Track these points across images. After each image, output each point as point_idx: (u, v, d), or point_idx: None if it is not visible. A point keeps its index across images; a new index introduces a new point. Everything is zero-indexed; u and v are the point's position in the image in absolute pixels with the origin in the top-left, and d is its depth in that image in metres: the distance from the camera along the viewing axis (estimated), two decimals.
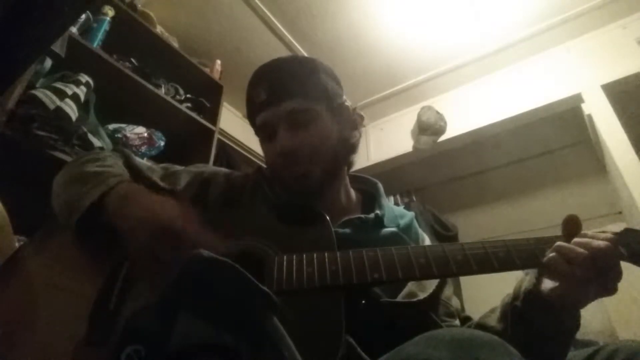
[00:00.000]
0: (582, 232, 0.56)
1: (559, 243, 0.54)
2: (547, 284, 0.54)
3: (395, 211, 0.80)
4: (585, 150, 2.09)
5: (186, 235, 0.52)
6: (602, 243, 0.52)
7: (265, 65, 0.77)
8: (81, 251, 0.62)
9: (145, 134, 1.68)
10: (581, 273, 0.51)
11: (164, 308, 0.43)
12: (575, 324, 0.55)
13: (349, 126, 0.78)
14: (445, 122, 2.36)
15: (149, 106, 1.74)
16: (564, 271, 0.52)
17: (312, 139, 0.72)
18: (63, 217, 0.64)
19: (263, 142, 0.77)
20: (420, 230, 0.82)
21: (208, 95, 2.07)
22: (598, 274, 0.51)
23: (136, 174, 0.74)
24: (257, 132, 0.78)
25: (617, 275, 0.52)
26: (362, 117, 0.84)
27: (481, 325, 0.64)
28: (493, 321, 0.63)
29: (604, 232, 0.55)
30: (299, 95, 0.72)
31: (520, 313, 0.57)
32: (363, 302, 0.60)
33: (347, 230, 0.70)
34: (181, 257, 0.49)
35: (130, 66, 1.72)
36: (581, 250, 0.51)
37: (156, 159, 1.69)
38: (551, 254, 0.54)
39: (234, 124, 2.64)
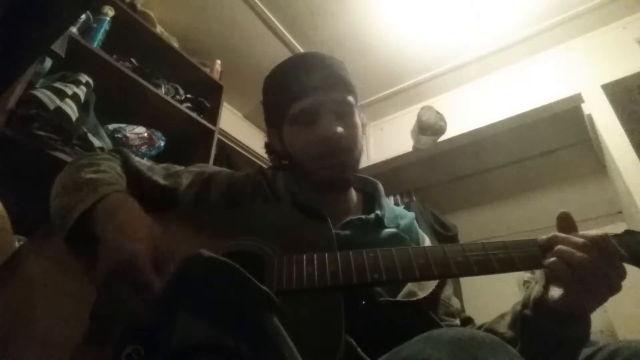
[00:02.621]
0: (580, 232, 0.55)
1: (559, 247, 0.53)
2: (554, 292, 0.54)
3: (395, 211, 0.80)
4: (585, 150, 2.09)
5: (137, 274, 0.49)
6: (601, 243, 0.51)
7: (309, 56, 0.81)
8: (81, 251, 0.62)
9: (145, 134, 1.68)
10: (583, 276, 0.50)
11: (164, 308, 0.43)
12: (585, 332, 0.54)
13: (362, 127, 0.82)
14: (445, 122, 2.35)
15: (149, 106, 1.74)
16: (566, 275, 0.51)
17: (352, 131, 0.76)
18: (56, 225, 0.64)
19: (299, 129, 0.74)
20: (420, 231, 0.82)
21: (208, 95, 2.07)
22: (600, 276, 0.50)
23: (135, 176, 0.74)
24: (294, 118, 0.74)
25: (621, 273, 0.52)
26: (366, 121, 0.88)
27: (490, 331, 0.64)
28: (503, 327, 0.62)
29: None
30: (346, 88, 0.76)
31: (530, 321, 0.57)
32: (363, 302, 0.60)
33: (348, 232, 0.70)
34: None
35: (130, 66, 1.71)
36: (581, 254, 0.51)
37: (156, 159, 1.69)
38: (552, 259, 0.53)
39: (234, 124, 2.64)
